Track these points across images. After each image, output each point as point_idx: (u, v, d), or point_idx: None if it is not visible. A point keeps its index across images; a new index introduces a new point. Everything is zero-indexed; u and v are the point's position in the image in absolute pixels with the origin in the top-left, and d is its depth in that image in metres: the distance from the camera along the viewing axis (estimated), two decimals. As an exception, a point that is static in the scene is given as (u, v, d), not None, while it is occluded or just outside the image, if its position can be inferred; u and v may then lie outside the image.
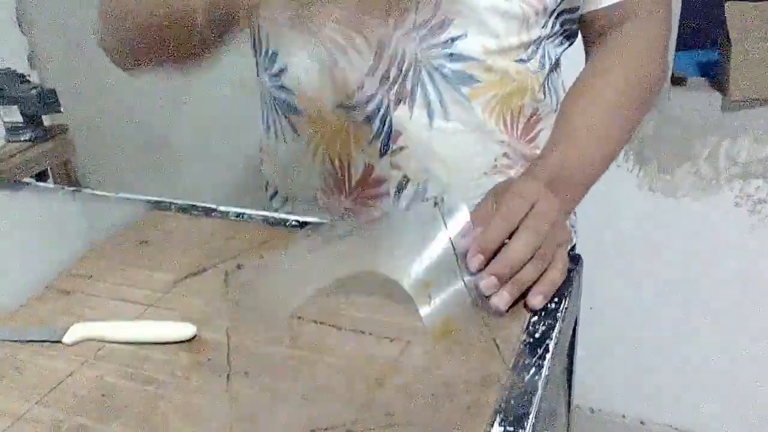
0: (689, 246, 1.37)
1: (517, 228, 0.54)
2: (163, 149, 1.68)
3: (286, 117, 0.75)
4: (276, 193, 0.83)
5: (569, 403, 0.69)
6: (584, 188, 0.67)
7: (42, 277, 0.61)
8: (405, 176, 0.70)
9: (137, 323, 0.53)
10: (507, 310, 0.52)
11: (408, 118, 0.68)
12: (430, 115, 0.68)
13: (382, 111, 0.68)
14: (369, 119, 0.69)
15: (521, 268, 0.53)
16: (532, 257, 0.53)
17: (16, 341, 0.52)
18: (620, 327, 1.50)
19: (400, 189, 0.71)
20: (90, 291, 0.59)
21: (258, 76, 0.79)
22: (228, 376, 0.47)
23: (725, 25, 1.19)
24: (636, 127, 0.71)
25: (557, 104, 0.76)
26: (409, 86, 0.67)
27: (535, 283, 0.53)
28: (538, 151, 0.72)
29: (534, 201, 0.55)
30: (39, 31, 1.67)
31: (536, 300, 0.53)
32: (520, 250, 0.53)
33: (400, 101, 0.68)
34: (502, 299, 0.52)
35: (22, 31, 1.65)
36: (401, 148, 0.69)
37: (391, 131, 0.69)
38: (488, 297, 0.53)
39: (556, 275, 0.54)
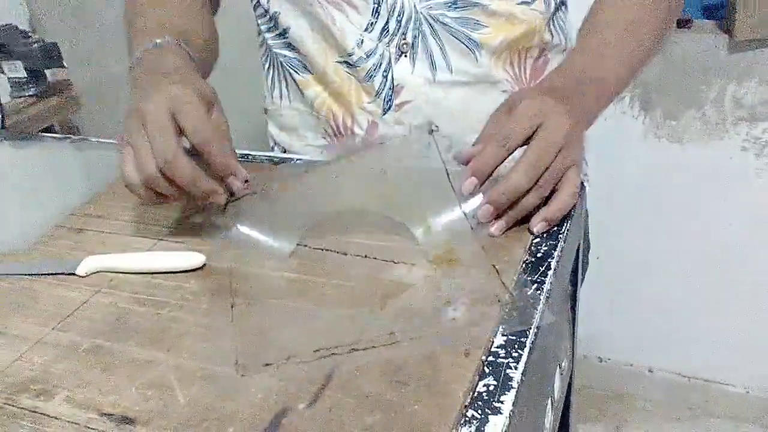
0: (696, 192, 1.37)
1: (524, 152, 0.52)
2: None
3: (292, 76, 0.74)
4: (285, 152, 0.82)
5: (573, 336, 0.71)
6: (600, 104, 0.62)
7: (53, 218, 0.62)
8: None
9: (148, 254, 0.54)
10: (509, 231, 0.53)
11: (410, 72, 0.68)
12: (433, 68, 0.68)
13: (383, 66, 0.68)
14: (370, 76, 0.68)
15: (522, 196, 0.52)
16: (533, 187, 0.52)
17: (31, 275, 0.54)
18: (627, 275, 1.51)
19: None
20: (100, 228, 0.60)
21: (259, 36, 0.78)
22: (233, 299, 0.48)
23: (731, -35, 1.17)
24: (658, 45, 0.68)
25: (566, 44, 0.75)
26: (409, 39, 0.67)
27: (538, 208, 0.53)
28: None
29: (539, 122, 0.52)
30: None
31: (538, 226, 0.53)
32: (519, 180, 0.51)
33: (401, 55, 0.67)
34: (498, 228, 0.52)
35: (21, -5, 1.64)
36: (404, 103, 0.69)
37: (393, 86, 0.68)
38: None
39: (563, 201, 0.53)
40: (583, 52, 0.63)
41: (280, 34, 0.73)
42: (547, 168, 0.52)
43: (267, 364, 0.42)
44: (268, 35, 0.75)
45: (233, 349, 0.43)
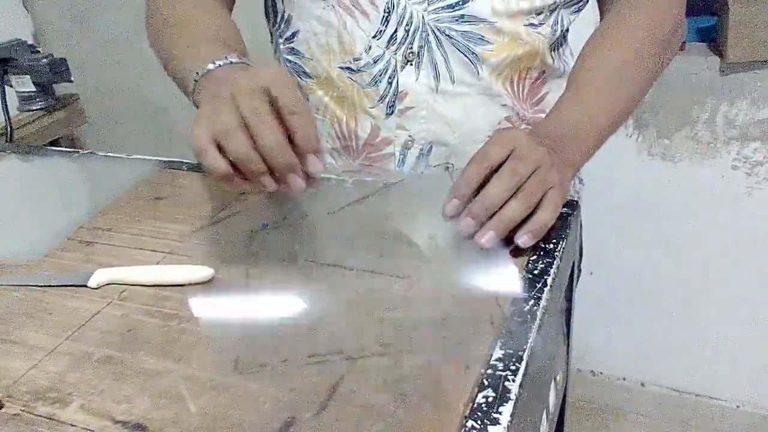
0: (688, 209, 1.40)
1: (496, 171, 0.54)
2: (170, 121, 1.70)
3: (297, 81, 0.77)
4: None
5: (568, 349, 0.72)
6: (589, 148, 0.65)
7: (63, 231, 0.64)
8: (410, 137, 0.73)
9: (158, 267, 0.56)
10: (514, 254, 0.54)
11: (414, 80, 0.70)
12: (437, 78, 0.70)
13: (389, 72, 0.71)
14: (375, 81, 0.71)
15: (504, 206, 0.53)
16: (515, 196, 0.53)
17: (44, 286, 0.55)
18: (620, 291, 1.53)
19: (405, 150, 0.73)
20: (110, 241, 0.62)
21: (272, 41, 0.81)
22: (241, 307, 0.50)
23: (723, -11, 1.20)
24: (650, 85, 0.70)
25: (564, 70, 0.77)
26: (416, 48, 0.69)
27: (524, 222, 0.54)
28: (542, 115, 0.73)
29: (513, 146, 0.55)
30: (43, 7, 1.69)
31: (522, 239, 0.53)
32: (496, 189, 0.53)
33: (407, 63, 0.70)
34: (483, 236, 0.53)
35: (25, 7, 1.66)
36: (407, 108, 0.72)
37: (397, 92, 0.71)
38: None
39: (544, 215, 0.54)
40: (564, 106, 0.65)
41: (288, 38, 0.75)
42: (524, 180, 0.54)
43: (263, 365, 0.44)
44: (279, 39, 0.77)
45: (235, 348, 0.46)
